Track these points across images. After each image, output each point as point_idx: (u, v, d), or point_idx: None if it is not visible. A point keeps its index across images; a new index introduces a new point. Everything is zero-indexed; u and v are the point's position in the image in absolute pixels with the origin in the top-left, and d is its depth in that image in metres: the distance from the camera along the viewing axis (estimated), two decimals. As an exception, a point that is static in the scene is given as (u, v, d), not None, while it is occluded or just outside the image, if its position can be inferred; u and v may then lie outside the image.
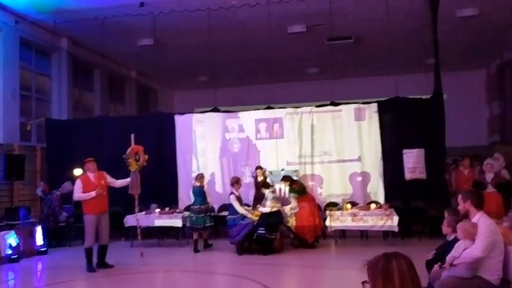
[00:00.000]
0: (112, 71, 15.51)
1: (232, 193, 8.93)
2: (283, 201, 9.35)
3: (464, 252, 4.18)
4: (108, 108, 15.40)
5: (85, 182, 7.70)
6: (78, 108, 14.11)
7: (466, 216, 4.50)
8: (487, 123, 17.49)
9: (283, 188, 9.72)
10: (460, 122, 14.57)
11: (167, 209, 10.03)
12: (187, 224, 9.39)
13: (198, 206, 9.24)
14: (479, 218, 4.33)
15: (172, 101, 19.55)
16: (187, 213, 9.93)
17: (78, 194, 7.74)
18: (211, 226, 9.40)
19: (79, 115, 13.84)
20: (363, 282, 1.96)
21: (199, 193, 9.38)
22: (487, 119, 17.52)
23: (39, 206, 11.22)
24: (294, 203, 9.14)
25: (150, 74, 17.21)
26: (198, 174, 9.69)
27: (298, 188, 9.35)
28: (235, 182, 9.05)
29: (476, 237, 4.18)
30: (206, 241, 9.41)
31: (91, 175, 7.76)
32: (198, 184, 9.45)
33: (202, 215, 9.20)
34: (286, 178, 9.53)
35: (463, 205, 4.51)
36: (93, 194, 7.56)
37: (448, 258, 4.31)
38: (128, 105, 16.83)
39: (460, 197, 4.62)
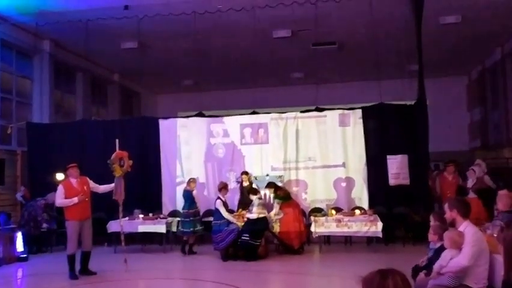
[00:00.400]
0: (95, 74, 15.31)
1: (218, 198, 8.89)
2: (268, 207, 9.33)
3: (451, 261, 4.21)
4: (90, 112, 15.19)
5: (67, 188, 7.56)
6: (60, 111, 13.87)
7: (453, 224, 4.54)
8: (468, 129, 17.78)
9: (268, 193, 9.70)
10: (441, 127, 14.77)
11: (150, 214, 9.91)
12: (179, 227, 9.43)
13: (186, 210, 9.30)
14: (466, 227, 4.37)
15: (155, 104, 19.39)
16: (171, 219, 9.87)
17: (60, 200, 7.59)
18: (200, 230, 9.38)
19: (60, 118, 13.61)
20: None
21: (188, 197, 9.41)
22: (468, 124, 17.82)
23: (19, 211, 11.00)
24: (276, 209, 9.14)
25: (134, 78, 17.03)
26: (190, 179, 9.69)
27: (283, 194, 9.35)
28: (223, 187, 9.02)
29: (462, 246, 4.22)
30: (191, 247, 9.33)
31: (73, 181, 7.62)
32: (188, 188, 9.46)
33: (191, 218, 9.21)
34: (270, 185, 9.52)
35: (449, 213, 4.55)
36: (75, 200, 7.44)
37: (435, 267, 4.34)
38: (110, 108, 16.62)
39: (446, 205, 4.66)
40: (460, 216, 4.49)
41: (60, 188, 7.60)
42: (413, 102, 10.75)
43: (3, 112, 11.32)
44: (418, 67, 10.73)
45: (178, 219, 10.13)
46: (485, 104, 16.22)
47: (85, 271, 7.61)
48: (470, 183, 9.70)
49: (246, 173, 10.13)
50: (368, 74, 14.76)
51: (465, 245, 4.23)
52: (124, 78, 16.90)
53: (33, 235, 9.75)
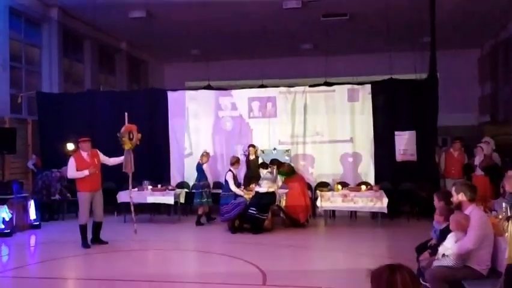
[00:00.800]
0: (103, 43, 15.25)
1: (230, 170, 9.02)
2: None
3: (456, 244, 4.31)
4: (98, 80, 15.22)
5: (78, 161, 7.70)
6: (68, 79, 13.91)
7: (459, 207, 4.61)
8: (478, 104, 17.65)
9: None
10: (450, 101, 14.69)
11: (159, 185, 10.08)
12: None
13: (196, 183, 9.71)
14: (472, 210, 4.45)
15: (162, 73, 19.34)
16: (179, 191, 10.05)
17: (71, 172, 7.74)
18: (207, 202, 9.59)
19: (69, 86, 13.67)
20: None
21: (199, 170, 9.71)
22: (478, 99, 17.67)
23: (30, 180, 11.23)
24: (279, 183, 9.29)
25: (141, 47, 16.94)
26: (203, 152, 9.89)
27: (287, 169, 9.45)
28: (236, 161, 9.19)
29: (468, 230, 4.31)
30: (199, 218, 9.54)
31: (84, 154, 7.75)
32: (199, 162, 9.74)
33: (200, 190, 9.51)
34: (273, 162, 9.58)
35: (456, 197, 4.62)
36: (86, 172, 7.58)
37: (440, 249, 4.44)
38: (118, 77, 16.62)
39: (453, 188, 4.73)
40: (466, 200, 4.56)
41: (71, 160, 7.73)
42: (423, 76, 10.68)
43: (13, 81, 11.35)
44: (430, 40, 10.59)
45: (186, 190, 10.35)
46: (497, 79, 16.03)
47: (97, 240, 7.83)
48: (477, 160, 9.74)
49: (253, 146, 10.21)
50: (379, 46, 14.59)
51: (470, 228, 4.31)
52: (132, 47, 16.82)
53: (45, 203, 10.00)
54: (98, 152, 7.95)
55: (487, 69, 16.81)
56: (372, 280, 1.99)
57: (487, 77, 16.97)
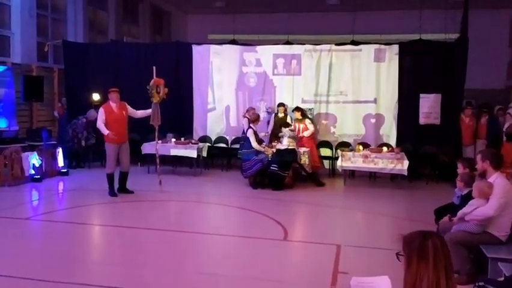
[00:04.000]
0: (126, -9, 15.12)
1: (250, 127, 9.12)
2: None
3: (477, 209, 4.41)
4: (122, 30, 15.20)
5: (107, 111, 7.90)
6: (93, 28, 13.93)
7: (483, 175, 4.68)
8: (508, 67, 17.17)
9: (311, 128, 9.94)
10: (477, 63, 14.32)
11: (182, 139, 10.28)
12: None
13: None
14: (496, 178, 4.52)
15: (185, 25, 19.15)
16: (202, 144, 10.24)
17: (100, 122, 7.94)
18: None
19: (93, 35, 13.72)
20: (397, 254, 2.16)
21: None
22: (507, 62, 17.17)
23: (57, 127, 11.54)
24: (311, 127, 9.77)
25: (165, -4, 16.73)
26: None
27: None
28: (256, 118, 9.24)
29: (490, 197, 4.40)
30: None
31: (113, 105, 7.92)
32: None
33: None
34: (298, 108, 9.93)
35: (481, 164, 4.68)
36: (106, 131, 7.74)
37: (459, 213, 4.56)
38: (141, 27, 16.55)
39: (478, 156, 4.78)
40: (491, 168, 4.62)
41: (101, 110, 7.93)
42: (453, 36, 10.40)
43: (39, 29, 11.44)
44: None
45: (209, 144, 10.55)
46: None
47: (123, 189, 8.15)
48: (506, 126, 9.61)
49: (282, 104, 10.24)
50: (409, 3, 14.11)
51: (493, 195, 4.40)
52: (155, -3, 16.63)
53: (75, 151, 10.30)
54: (126, 104, 8.11)
55: (519, 31, 16.23)
56: (404, 245, 2.11)
57: (518, 40, 16.42)
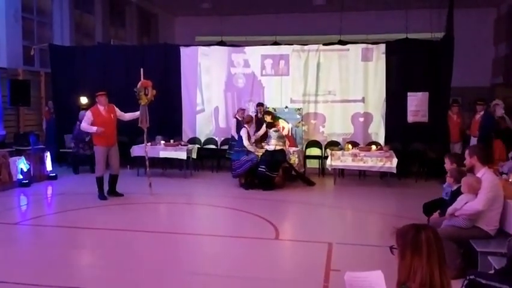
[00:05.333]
0: (113, -6, 15.01)
1: (244, 127, 9.13)
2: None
3: (466, 204, 4.45)
4: (109, 33, 15.08)
5: (95, 114, 7.84)
6: (79, 31, 13.81)
7: (471, 170, 4.73)
8: (492, 65, 17.39)
9: (287, 126, 9.93)
10: (463, 61, 14.49)
11: (171, 141, 10.24)
12: None
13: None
14: (484, 173, 4.57)
15: (173, 27, 19.09)
16: (191, 146, 10.20)
17: (85, 124, 7.88)
18: None
19: (79, 38, 13.61)
20: (391, 248, 2.17)
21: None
22: (491, 60, 17.40)
23: (44, 131, 11.41)
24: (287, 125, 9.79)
25: (152, -1, 16.65)
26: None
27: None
28: (249, 120, 9.29)
29: (479, 192, 4.44)
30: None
31: (101, 108, 7.86)
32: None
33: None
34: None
35: (469, 160, 4.73)
36: (94, 129, 7.73)
37: (449, 209, 4.60)
38: (128, 30, 16.44)
39: (466, 152, 4.83)
40: (479, 163, 4.67)
41: (88, 113, 7.87)
42: (439, 36, 10.50)
43: (25, 32, 11.31)
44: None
45: (198, 146, 10.52)
46: (512, 40, 15.73)
47: (113, 192, 8.09)
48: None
49: (261, 104, 10.22)
50: (395, 3, 14.22)
51: (481, 190, 4.45)
52: (142, 0, 16.54)
53: (82, 156, 10.14)
54: (115, 107, 8.05)
55: (503, 30, 16.45)
56: (398, 238, 2.12)
57: (502, 38, 16.64)
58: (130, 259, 5.19)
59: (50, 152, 9.73)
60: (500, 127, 9.54)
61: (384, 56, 10.31)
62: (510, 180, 5.22)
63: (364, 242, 5.82)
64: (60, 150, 11.04)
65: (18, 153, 9.16)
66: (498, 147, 8.69)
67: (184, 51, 11.09)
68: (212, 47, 11.21)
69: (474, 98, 12.33)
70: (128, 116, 8.20)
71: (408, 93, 10.14)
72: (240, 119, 9.80)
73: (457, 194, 5.03)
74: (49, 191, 8.91)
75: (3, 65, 10.37)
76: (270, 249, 5.66)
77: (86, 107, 9.53)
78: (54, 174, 9.61)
